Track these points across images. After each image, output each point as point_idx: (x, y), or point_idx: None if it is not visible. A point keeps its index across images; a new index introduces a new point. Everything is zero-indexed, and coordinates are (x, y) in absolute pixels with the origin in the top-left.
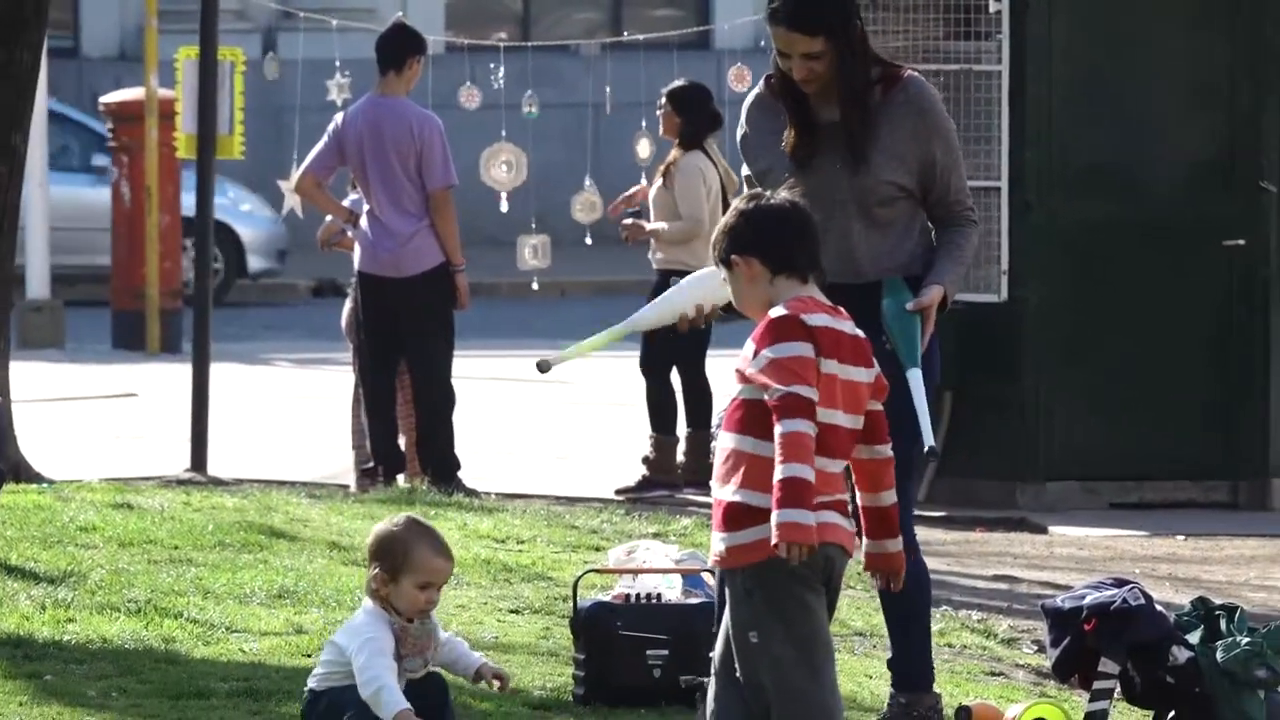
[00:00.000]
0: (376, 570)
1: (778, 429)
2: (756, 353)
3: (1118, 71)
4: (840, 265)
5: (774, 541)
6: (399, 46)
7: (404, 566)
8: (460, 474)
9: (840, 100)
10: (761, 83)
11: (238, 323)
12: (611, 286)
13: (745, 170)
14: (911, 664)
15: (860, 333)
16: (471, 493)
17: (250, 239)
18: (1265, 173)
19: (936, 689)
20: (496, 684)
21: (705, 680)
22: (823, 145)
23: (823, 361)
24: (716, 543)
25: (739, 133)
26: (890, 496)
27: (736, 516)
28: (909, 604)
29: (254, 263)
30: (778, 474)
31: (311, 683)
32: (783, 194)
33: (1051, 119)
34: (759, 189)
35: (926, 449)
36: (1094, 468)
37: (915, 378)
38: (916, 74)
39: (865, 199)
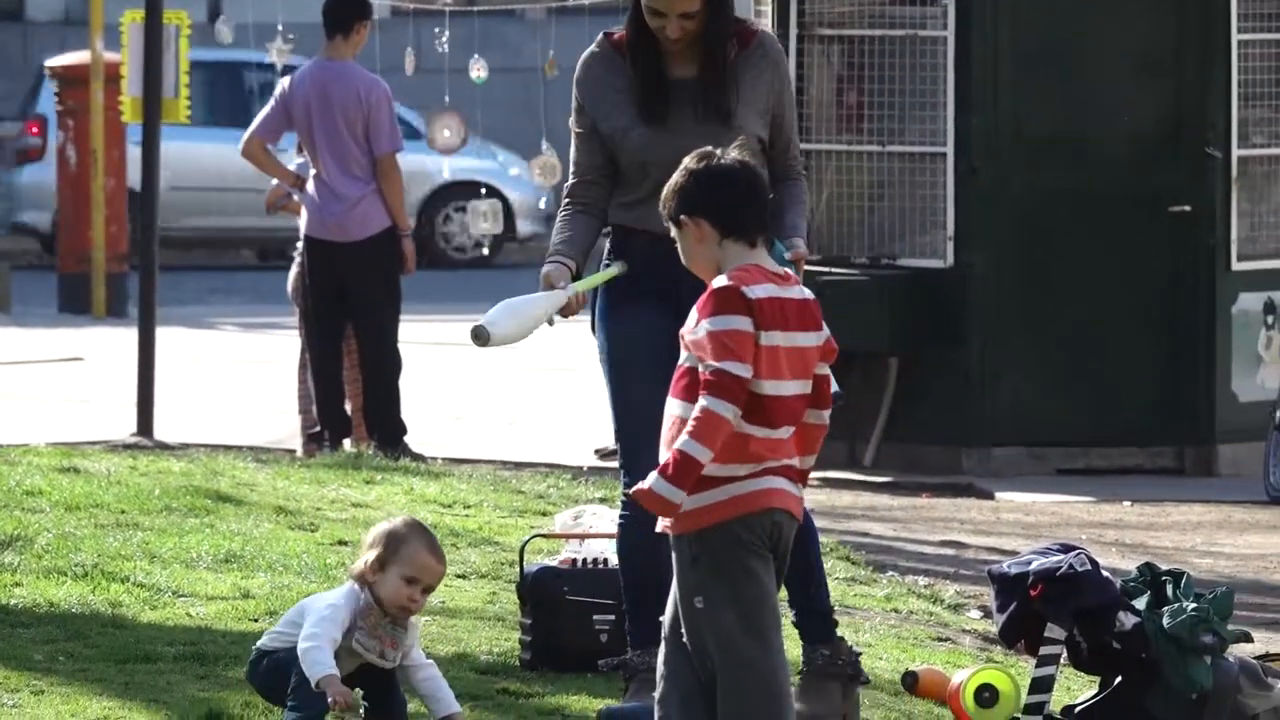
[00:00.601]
0: (369, 556)
1: (700, 402)
2: (698, 322)
3: (1065, 38)
4: None
5: (635, 496)
6: (346, 11)
7: (394, 557)
8: (407, 439)
9: (703, 57)
10: (601, 39)
11: (181, 287)
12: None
13: (574, 129)
14: (825, 614)
15: (809, 294)
16: (418, 457)
17: (518, 203)
18: (1211, 139)
19: (884, 654)
20: None
21: (628, 658)
22: (676, 102)
23: (764, 334)
24: None
25: (576, 90)
26: (812, 461)
27: None
28: (807, 556)
29: (522, 226)
30: (679, 443)
31: (261, 641)
32: (732, 153)
33: (997, 85)
34: (709, 149)
35: (834, 393)
36: (1041, 433)
37: None
38: (766, 30)
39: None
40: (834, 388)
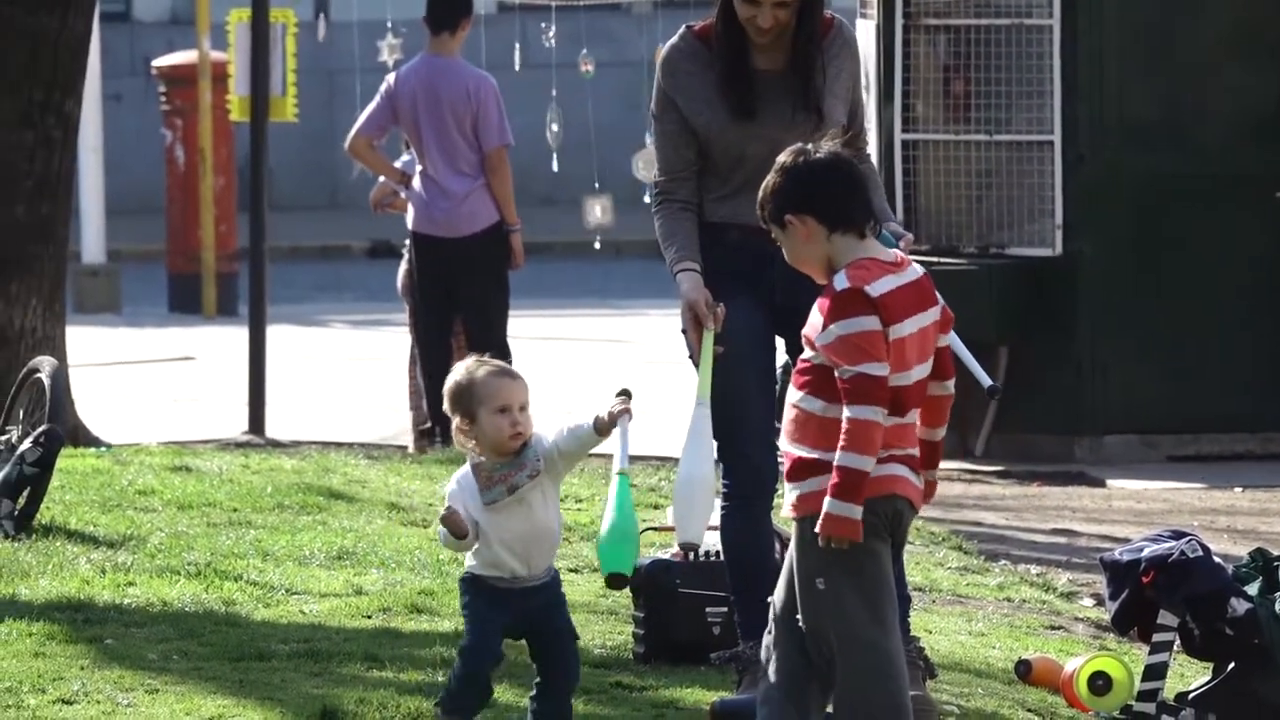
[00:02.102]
0: (455, 423)
1: (846, 413)
2: (824, 326)
3: (1170, 22)
4: None
5: (818, 529)
6: (452, 8)
7: (473, 404)
8: None
9: (795, 48)
10: (684, 32)
11: (294, 285)
12: None
13: (656, 126)
14: (907, 601)
15: (920, 270)
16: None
17: None
18: None
19: (997, 643)
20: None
21: (740, 651)
22: (765, 94)
23: (892, 329)
24: (789, 493)
25: (661, 85)
26: (942, 432)
27: (807, 467)
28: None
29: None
30: (838, 459)
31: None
32: (826, 145)
33: (1103, 72)
34: (801, 145)
35: (988, 388)
36: (1151, 421)
37: None
38: (839, 16)
39: None
40: (988, 381)
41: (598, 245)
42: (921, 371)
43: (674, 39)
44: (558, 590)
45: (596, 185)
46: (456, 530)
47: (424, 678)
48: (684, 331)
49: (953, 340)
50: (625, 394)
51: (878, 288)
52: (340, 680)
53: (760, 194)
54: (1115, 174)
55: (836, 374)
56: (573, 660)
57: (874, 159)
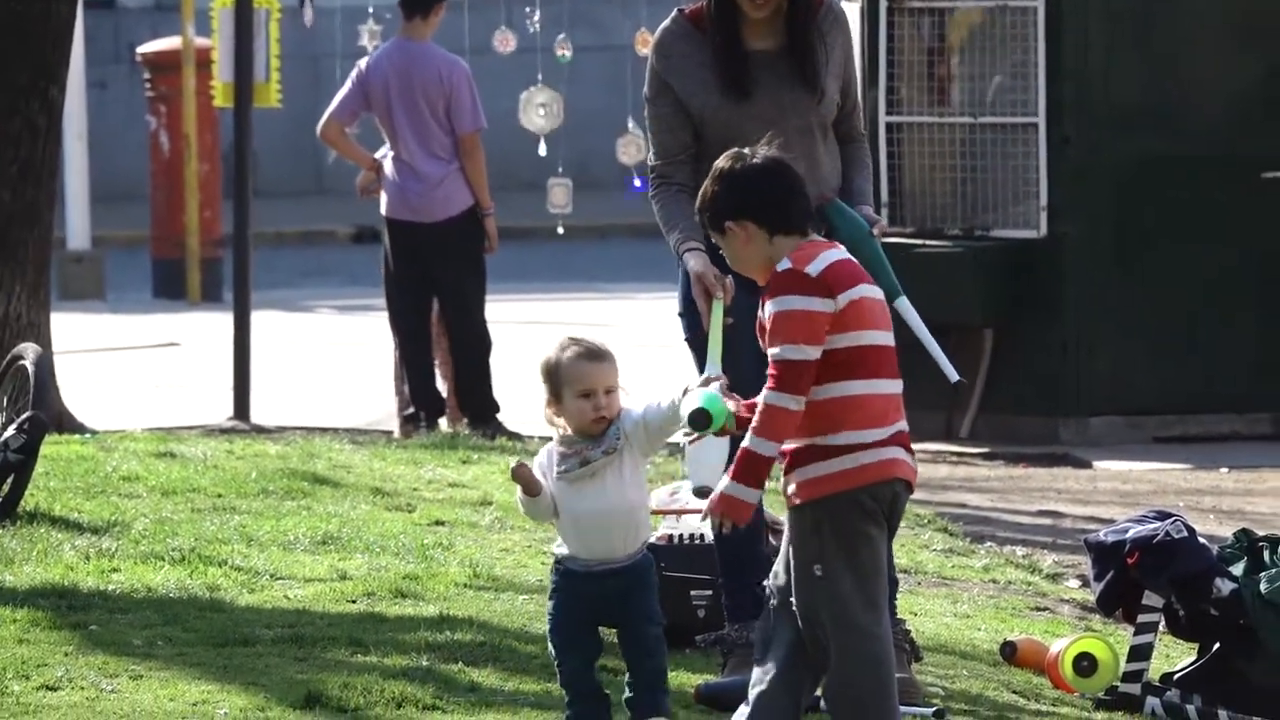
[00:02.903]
0: (546, 399)
1: (763, 396)
2: (763, 305)
3: (1155, 4)
4: (814, 190)
5: (709, 508)
6: None
7: (560, 383)
8: (500, 416)
9: (789, 27)
10: (675, 14)
11: (278, 270)
12: (652, 229)
13: (651, 109)
14: (895, 584)
15: (854, 259)
16: (513, 435)
17: None
18: None
19: (982, 625)
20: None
21: (725, 633)
22: (760, 74)
23: (842, 296)
24: (788, 485)
25: (655, 68)
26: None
27: (803, 456)
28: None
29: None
30: (746, 442)
31: None
32: (762, 150)
33: (1089, 53)
34: (738, 150)
35: (954, 382)
36: (1137, 402)
37: (906, 307)
38: None
39: (824, 121)
40: (954, 375)
41: (560, 230)
42: (887, 338)
43: (666, 22)
44: (643, 574)
45: (560, 170)
46: (527, 486)
47: (408, 662)
48: (680, 315)
49: (921, 333)
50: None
51: (817, 265)
52: (324, 665)
53: (699, 200)
54: (1100, 156)
55: (769, 355)
56: (655, 648)
57: None
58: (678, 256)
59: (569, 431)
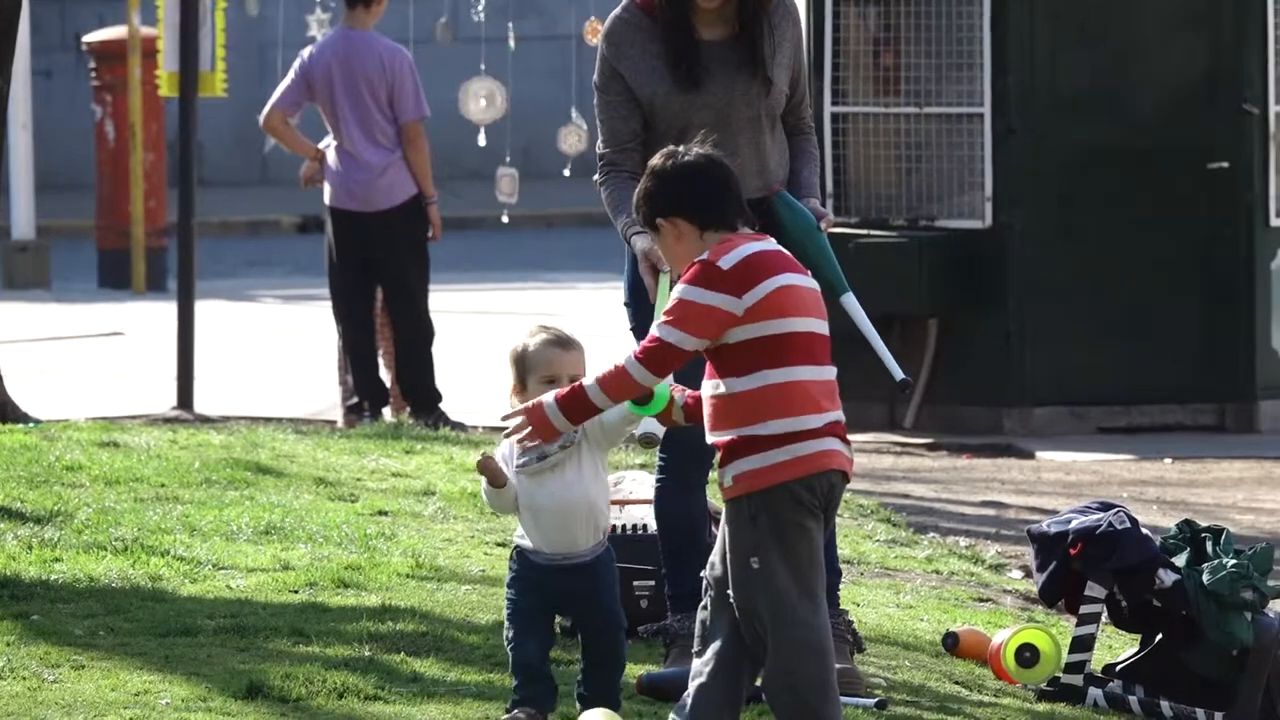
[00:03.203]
0: (512, 386)
1: (625, 359)
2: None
3: None
4: (760, 181)
5: (520, 410)
6: None
7: (526, 369)
8: (442, 405)
9: (740, 16)
10: (626, 3)
11: (224, 260)
12: (596, 218)
13: (601, 97)
14: (838, 574)
15: (784, 250)
16: (456, 425)
17: None
18: (1248, 95)
19: (925, 615)
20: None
21: (668, 624)
22: (711, 64)
23: (760, 288)
24: (724, 478)
25: (605, 56)
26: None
27: (738, 448)
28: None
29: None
30: (585, 381)
31: None
32: (696, 148)
33: (1033, 44)
34: (672, 148)
35: (900, 381)
36: (1081, 392)
37: (852, 303)
38: None
39: (773, 112)
40: (900, 374)
41: (505, 219)
42: (822, 326)
43: (617, 10)
44: (602, 570)
45: (508, 159)
46: (492, 477)
47: (350, 652)
48: (626, 304)
49: (866, 330)
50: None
51: (732, 258)
52: (266, 655)
53: (634, 198)
54: (1045, 146)
55: (653, 327)
56: (614, 645)
57: None
58: (625, 240)
59: None
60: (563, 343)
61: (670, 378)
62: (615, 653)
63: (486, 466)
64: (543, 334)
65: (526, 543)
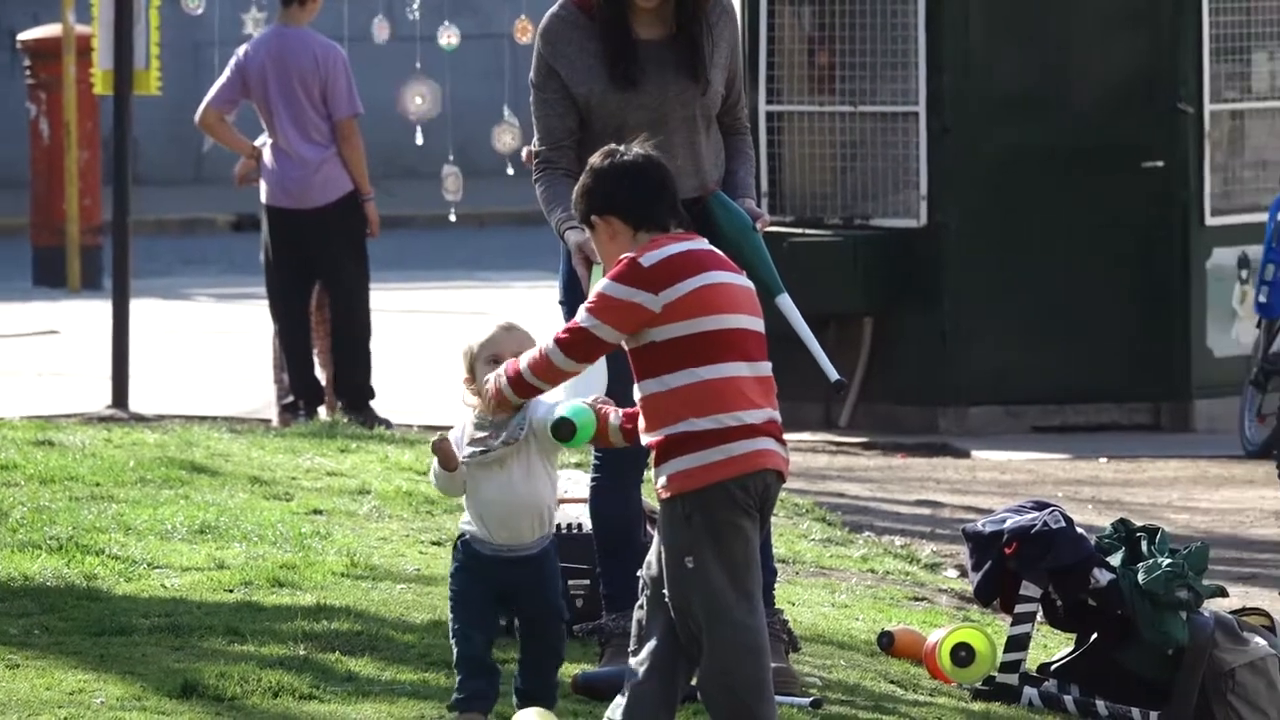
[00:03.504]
0: (464, 376)
1: (548, 344)
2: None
3: None
4: (696, 181)
5: (488, 388)
6: None
7: (475, 356)
8: (374, 404)
9: (678, 16)
10: (564, 1)
11: (158, 258)
12: (531, 217)
13: (537, 94)
14: (774, 574)
15: (715, 250)
16: (383, 422)
17: None
18: (1183, 95)
19: (860, 615)
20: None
21: (603, 623)
22: (648, 63)
23: (678, 287)
24: (658, 476)
25: (542, 53)
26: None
27: (671, 448)
28: None
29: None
30: (520, 360)
31: None
32: (636, 148)
33: (968, 43)
34: (612, 146)
35: (834, 383)
36: (1016, 391)
37: (787, 304)
38: None
39: (709, 112)
40: (834, 375)
41: (453, 218)
42: (754, 323)
43: (554, 8)
44: (547, 564)
45: (451, 158)
46: (445, 459)
47: (285, 651)
48: (561, 303)
49: (801, 330)
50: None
51: (654, 256)
52: (201, 654)
53: (573, 194)
54: (980, 145)
55: (577, 314)
56: (554, 639)
57: None
58: (559, 235)
59: (477, 409)
60: (506, 327)
61: (599, 403)
62: (554, 648)
63: (441, 449)
64: (500, 323)
65: (472, 528)
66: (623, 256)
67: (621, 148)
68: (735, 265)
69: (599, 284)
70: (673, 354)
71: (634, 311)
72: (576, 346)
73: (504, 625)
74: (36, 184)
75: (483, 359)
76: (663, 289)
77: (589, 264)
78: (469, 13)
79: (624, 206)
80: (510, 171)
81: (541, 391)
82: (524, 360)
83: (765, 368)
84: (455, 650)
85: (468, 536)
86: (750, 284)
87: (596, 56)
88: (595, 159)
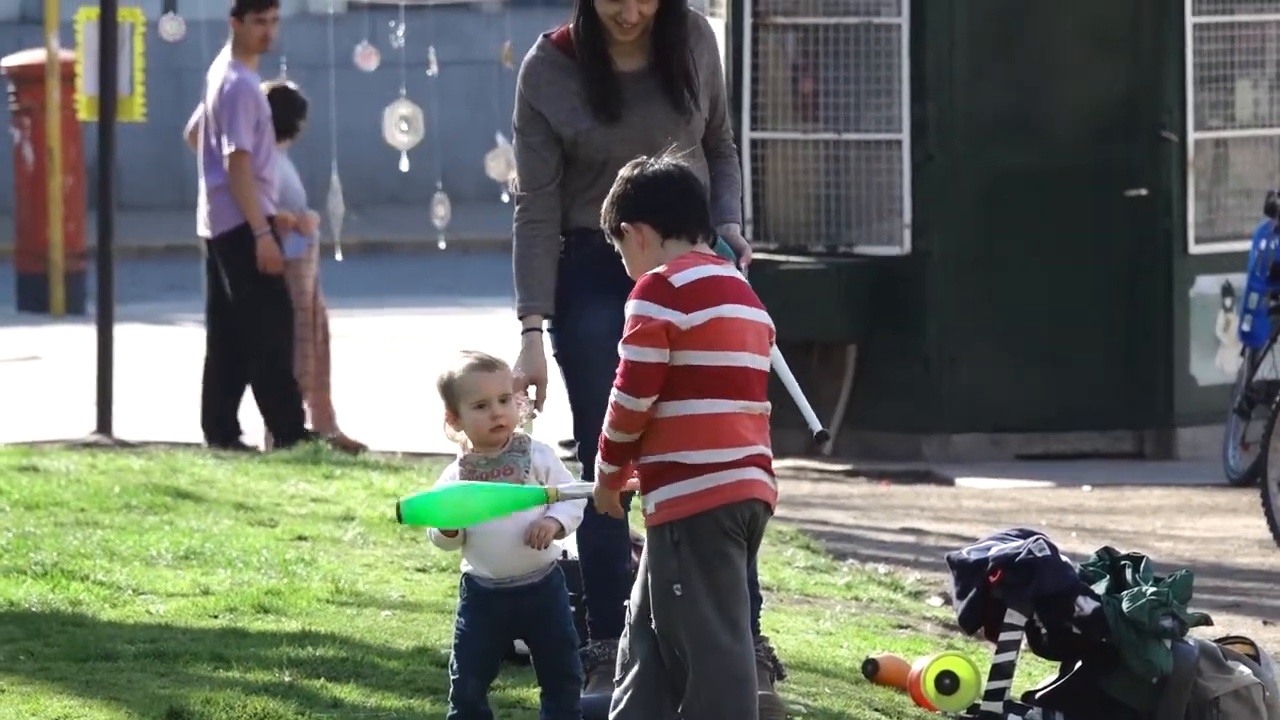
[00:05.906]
0: (445, 415)
1: (613, 395)
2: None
3: (1019, 23)
4: None
5: (594, 487)
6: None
7: (456, 397)
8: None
9: (658, 46)
10: (541, 41)
11: (142, 284)
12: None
13: (520, 138)
14: (759, 601)
15: (739, 276)
16: (313, 435)
17: None
18: (1166, 123)
19: (845, 642)
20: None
21: (588, 649)
22: (631, 96)
23: (699, 314)
24: (647, 503)
25: (524, 95)
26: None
27: (661, 473)
28: None
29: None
30: (605, 431)
31: None
32: (666, 159)
33: (952, 71)
34: (643, 157)
35: (816, 434)
36: (1000, 419)
37: (773, 351)
38: (692, 9)
39: (694, 138)
40: (816, 425)
41: (442, 245)
42: (757, 361)
43: (533, 50)
44: (553, 591)
45: (439, 185)
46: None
47: (270, 677)
48: (550, 330)
49: (786, 379)
50: None
51: (683, 277)
52: (187, 680)
53: (604, 205)
54: (963, 173)
55: (620, 353)
56: (569, 667)
57: None
58: (518, 317)
59: (470, 448)
60: (486, 365)
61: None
62: (571, 675)
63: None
64: (466, 359)
65: (469, 566)
66: (650, 273)
67: (650, 159)
68: (754, 297)
69: (629, 307)
70: (678, 382)
71: (668, 329)
72: (634, 381)
73: (520, 654)
74: (20, 210)
75: (469, 404)
76: (691, 311)
77: (525, 386)
78: (452, 39)
79: (656, 214)
80: (505, 198)
81: (631, 443)
82: (605, 426)
83: (762, 406)
84: (452, 687)
85: (469, 575)
86: (763, 317)
87: (578, 94)
88: (625, 170)
